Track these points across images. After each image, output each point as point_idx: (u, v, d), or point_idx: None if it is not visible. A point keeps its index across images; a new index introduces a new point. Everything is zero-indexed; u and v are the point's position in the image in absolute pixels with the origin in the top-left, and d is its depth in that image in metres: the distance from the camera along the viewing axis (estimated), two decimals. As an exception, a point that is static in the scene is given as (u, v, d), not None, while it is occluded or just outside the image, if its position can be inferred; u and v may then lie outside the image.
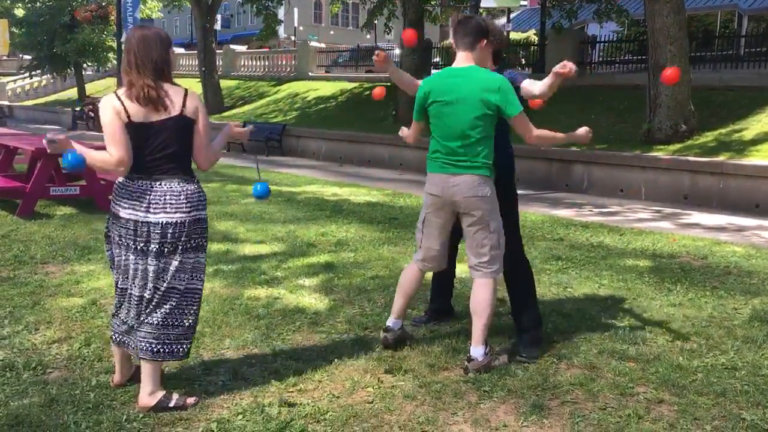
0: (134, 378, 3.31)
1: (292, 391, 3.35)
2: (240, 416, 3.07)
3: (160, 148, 3.01)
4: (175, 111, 3.01)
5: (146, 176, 3.04)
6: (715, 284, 5.45)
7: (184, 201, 3.05)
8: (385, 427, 3.02)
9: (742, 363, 3.79)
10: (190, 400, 3.16)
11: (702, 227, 8.30)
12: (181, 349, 3.16)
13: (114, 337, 3.25)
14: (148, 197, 3.03)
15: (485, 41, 3.69)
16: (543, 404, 3.26)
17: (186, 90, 3.09)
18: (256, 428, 2.97)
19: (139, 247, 3.05)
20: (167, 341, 3.12)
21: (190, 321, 3.18)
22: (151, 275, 3.06)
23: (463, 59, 3.68)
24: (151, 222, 3.02)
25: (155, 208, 3.02)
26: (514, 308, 4.04)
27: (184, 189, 3.07)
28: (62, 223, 7.32)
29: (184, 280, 3.12)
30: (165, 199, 3.03)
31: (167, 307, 3.10)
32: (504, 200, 3.77)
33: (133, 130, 2.97)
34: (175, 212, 3.03)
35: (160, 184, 3.04)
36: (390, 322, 3.94)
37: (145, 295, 3.08)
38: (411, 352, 3.88)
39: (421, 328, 4.29)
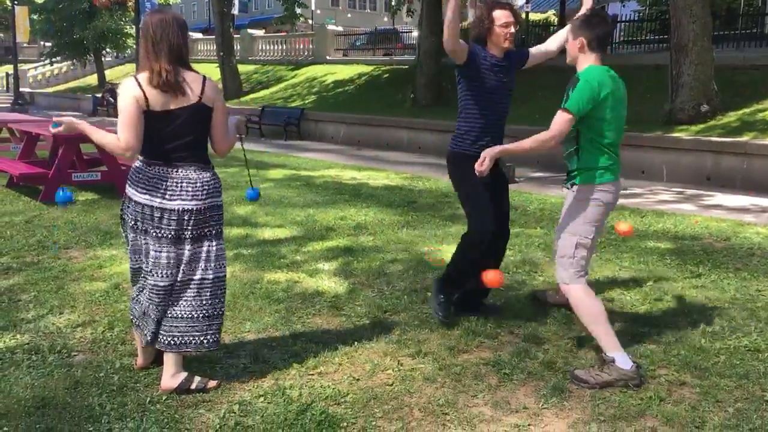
0: (158, 360, 3.35)
1: (312, 374, 3.37)
2: (261, 398, 3.10)
3: (178, 136, 3.02)
4: (193, 98, 3.01)
5: (164, 163, 3.05)
6: (738, 266, 5.39)
7: (200, 188, 3.06)
8: (405, 410, 3.03)
9: (765, 345, 3.75)
10: (212, 383, 3.19)
11: (725, 208, 8.20)
12: (207, 340, 3.15)
13: (134, 321, 3.29)
14: (164, 184, 3.04)
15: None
16: (563, 386, 3.25)
17: (204, 77, 3.08)
18: (277, 410, 2.99)
19: (157, 234, 3.07)
20: (195, 332, 3.12)
21: (218, 310, 3.18)
22: (172, 263, 3.08)
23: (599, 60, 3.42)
24: (166, 208, 3.03)
25: (172, 195, 3.03)
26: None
27: (200, 176, 3.08)
28: (84, 209, 7.40)
29: (209, 269, 3.13)
30: (182, 186, 3.04)
31: (192, 297, 3.11)
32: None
33: (152, 117, 2.98)
34: (191, 199, 3.04)
35: (177, 171, 3.05)
36: (621, 359, 3.28)
37: (166, 284, 3.09)
38: (431, 335, 3.89)
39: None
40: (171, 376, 3.14)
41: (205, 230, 3.12)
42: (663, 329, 3.98)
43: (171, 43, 2.97)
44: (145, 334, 3.18)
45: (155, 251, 3.08)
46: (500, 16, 3.90)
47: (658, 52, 14.74)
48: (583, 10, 3.71)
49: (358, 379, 3.32)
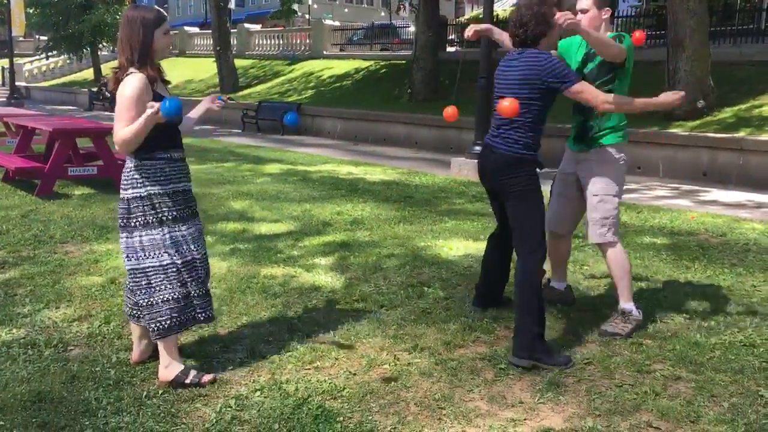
0: (155, 356, 3.36)
1: (308, 368, 3.38)
2: (258, 393, 3.11)
3: None
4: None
5: None
6: (734, 261, 5.40)
7: (126, 178, 3.17)
8: (402, 404, 3.04)
9: (760, 340, 3.76)
10: (207, 378, 3.19)
11: (721, 204, 8.22)
12: (155, 327, 3.15)
13: (125, 311, 3.35)
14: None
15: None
16: (559, 381, 3.26)
17: (127, 75, 3.11)
18: (273, 404, 3.00)
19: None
20: (150, 318, 3.16)
21: (152, 299, 3.15)
22: (123, 251, 3.22)
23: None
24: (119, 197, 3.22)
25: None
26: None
27: (128, 166, 3.18)
28: (80, 203, 7.39)
29: (137, 258, 3.17)
30: (122, 176, 3.21)
31: (138, 284, 3.18)
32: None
33: None
34: (124, 189, 3.18)
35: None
36: (636, 310, 3.93)
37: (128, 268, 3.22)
38: (427, 330, 3.90)
39: (436, 307, 4.30)
40: (165, 367, 3.17)
41: (132, 221, 3.16)
42: (658, 324, 4.00)
43: (130, 42, 3.10)
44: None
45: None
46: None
47: (655, 47, 14.73)
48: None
49: (354, 374, 3.32)
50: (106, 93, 27.00)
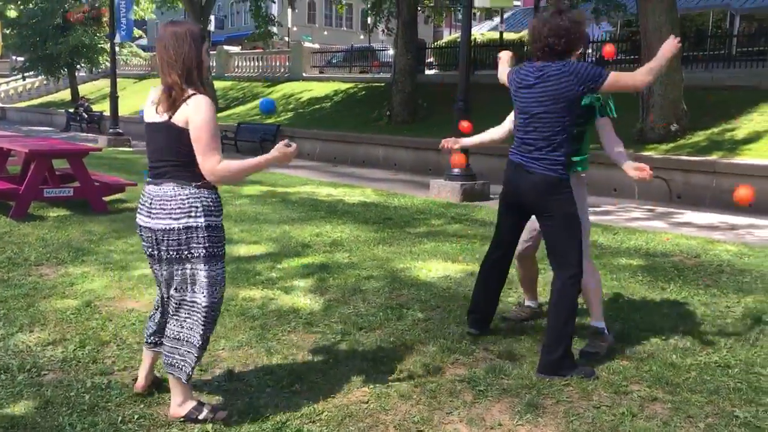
0: (156, 386, 3.30)
1: (287, 392, 3.35)
2: (236, 416, 3.07)
3: (156, 151, 2.96)
4: (166, 116, 2.87)
5: (151, 179, 2.99)
6: (708, 282, 5.48)
7: (176, 207, 2.89)
8: (381, 427, 3.03)
9: (735, 361, 3.81)
10: (221, 414, 3.05)
11: (695, 226, 8.34)
12: (180, 364, 2.98)
13: (147, 336, 3.23)
14: (150, 201, 2.96)
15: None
16: (537, 403, 3.27)
17: (191, 96, 2.86)
18: (251, 428, 2.97)
19: (149, 252, 3.04)
20: (174, 354, 3.00)
21: (190, 336, 2.98)
22: (163, 282, 3.04)
23: None
24: (150, 227, 2.95)
25: (154, 214, 2.93)
26: None
27: (178, 194, 2.89)
28: (56, 225, 7.30)
29: (185, 291, 2.98)
30: (159, 204, 2.92)
31: (174, 318, 3.02)
32: None
33: (145, 128, 3.01)
34: (165, 218, 2.91)
35: (159, 188, 2.94)
36: (606, 329, 4.00)
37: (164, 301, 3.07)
38: (406, 352, 3.89)
39: (415, 329, 4.30)
40: (178, 405, 3.02)
41: (180, 253, 2.92)
42: (635, 345, 4.03)
43: (183, 58, 2.85)
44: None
45: (156, 270, 3.07)
46: None
47: (630, 71, 15.00)
48: None
49: (333, 397, 3.31)
50: (84, 114, 26.87)
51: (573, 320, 3.60)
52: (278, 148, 2.94)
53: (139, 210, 3.03)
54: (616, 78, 3.52)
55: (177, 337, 3.00)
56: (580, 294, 3.76)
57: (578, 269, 3.62)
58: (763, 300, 4.98)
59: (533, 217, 3.88)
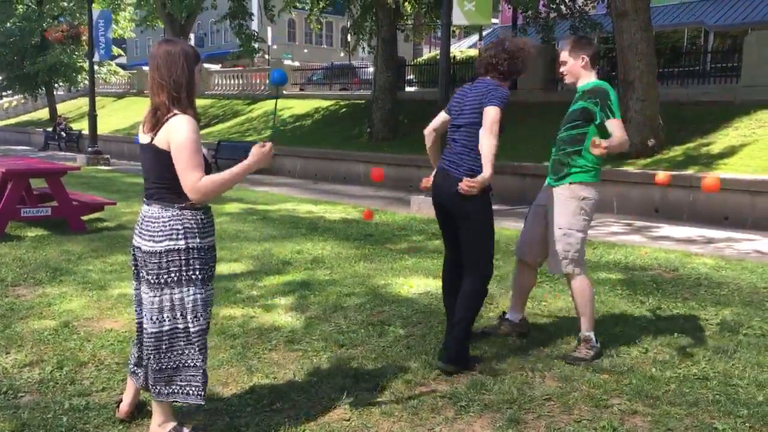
0: (138, 408, 3.24)
1: (268, 411, 3.33)
2: (216, 437, 3.05)
3: (146, 172, 2.92)
4: (150, 138, 2.85)
5: (144, 199, 2.95)
6: (687, 296, 5.53)
7: (158, 229, 2.83)
8: (362, 445, 3.02)
9: (713, 373, 3.85)
10: None
11: (673, 240, 8.43)
12: (185, 390, 2.92)
13: (130, 366, 3.14)
14: (141, 221, 2.92)
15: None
16: (519, 418, 3.28)
17: (171, 117, 2.81)
18: (232, 448, 2.94)
19: (135, 272, 3.01)
20: (158, 382, 2.94)
21: (176, 362, 2.93)
22: (145, 307, 2.92)
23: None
24: (140, 247, 2.89)
25: (143, 234, 2.88)
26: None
27: (161, 216, 2.84)
28: (33, 245, 7.22)
29: (161, 320, 2.89)
30: (146, 226, 2.87)
31: (157, 348, 2.92)
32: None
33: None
34: (149, 240, 2.84)
35: (148, 209, 2.89)
36: (595, 338, 4.14)
37: (146, 328, 2.94)
38: (387, 369, 3.89)
39: (397, 345, 4.29)
40: (158, 425, 2.97)
41: (162, 277, 2.84)
42: (615, 359, 4.06)
43: (173, 79, 2.80)
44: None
45: (140, 293, 2.99)
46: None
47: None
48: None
49: (314, 415, 3.29)
50: (62, 133, 26.69)
51: (474, 317, 3.94)
52: (254, 152, 2.87)
53: (134, 229, 3.01)
54: (493, 119, 3.70)
55: (170, 366, 2.93)
56: (573, 299, 4.17)
57: (487, 273, 3.95)
58: (740, 312, 5.04)
59: (551, 228, 4.13)
